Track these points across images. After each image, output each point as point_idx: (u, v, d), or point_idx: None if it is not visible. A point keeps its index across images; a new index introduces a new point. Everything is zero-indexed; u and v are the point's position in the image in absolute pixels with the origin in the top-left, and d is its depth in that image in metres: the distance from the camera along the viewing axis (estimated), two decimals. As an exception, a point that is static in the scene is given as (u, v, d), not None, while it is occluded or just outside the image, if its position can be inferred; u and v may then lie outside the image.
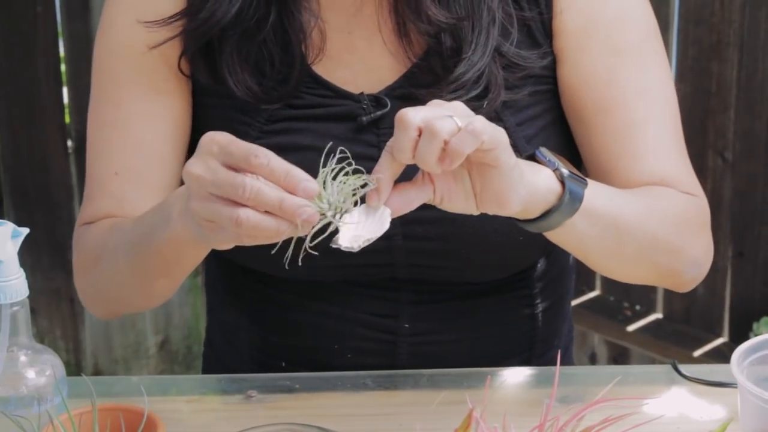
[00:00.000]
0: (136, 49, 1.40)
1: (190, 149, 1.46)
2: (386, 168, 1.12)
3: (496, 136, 1.11)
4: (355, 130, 1.36)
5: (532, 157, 1.24)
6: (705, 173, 2.74)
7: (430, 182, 1.15)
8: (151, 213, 1.31)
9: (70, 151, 3.01)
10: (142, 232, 1.31)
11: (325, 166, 1.10)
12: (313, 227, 1.09)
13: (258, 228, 1.08)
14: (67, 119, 3.02)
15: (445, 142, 1.09)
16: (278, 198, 1.08)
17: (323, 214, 1.09)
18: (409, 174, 1.15)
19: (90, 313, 1.51)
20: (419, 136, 1.10)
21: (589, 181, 1.25)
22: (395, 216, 1.14)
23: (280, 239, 1.09)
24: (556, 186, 1.21)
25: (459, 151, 1.09)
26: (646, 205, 1.34)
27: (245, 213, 1.08)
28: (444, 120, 1.09)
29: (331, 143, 1.14)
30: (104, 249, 1.39)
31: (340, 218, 1.10)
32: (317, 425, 1.10)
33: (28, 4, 2.90)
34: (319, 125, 1.38)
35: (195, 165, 1.11)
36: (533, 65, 1.38)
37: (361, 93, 1.38)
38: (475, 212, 1.18)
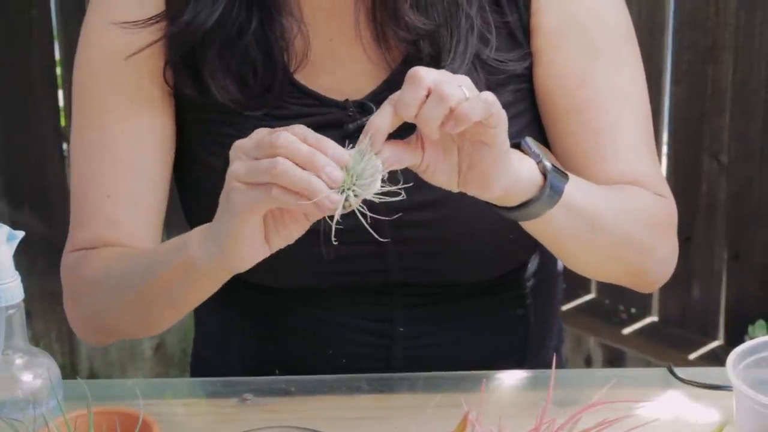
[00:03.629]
0: (117, 67, 1.39)
1: (176, 167, 1.45)
2: (385, 119, 1.11)
3: (502, 113, 1.12)
4: (342, 138, 1.36)
5: (517, 146, 1.24)
6: (700, 176, 2.75)
7: (420, 148, 1.15)
8: (165, 244, 1.33)
9: (65, 153, 3.01)
10: (154, 260, 1.31)
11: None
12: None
13: (291, 176, 1.08)
14: (62, 122, 3.01)
15: (451, 109, 1.09)
16: (309, 152, 1.09)
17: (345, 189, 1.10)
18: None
19: (82, 339, 1.50)
20: (427, 96, 1.09)
21: (569, 174, 1.25)
22: (384, 169, 1.12)
23: (308, 198, 1.08)
24: (538, 178, 1.22)
25: (467, 116, 1.09)
26: (621, 203, 1.35)
27: (282, 160, 1.08)
28: (454, 87, 1.09)
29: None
30: (107, 276, 1.38)
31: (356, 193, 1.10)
32: (312, 428, 1.10)
33: (23, 7, 2.90)
34: None
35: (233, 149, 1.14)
36: (514, 68, 1.38)
37: (346, 100, 1.37)
38: (455, 190, 1.18)
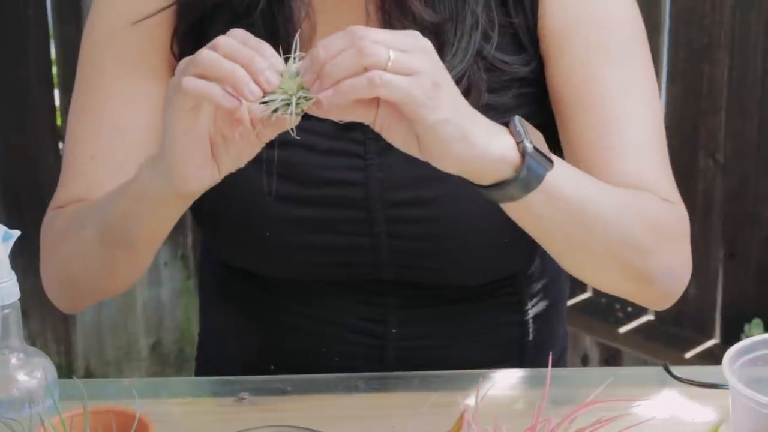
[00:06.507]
0: (122, 34, 1.39)
1: None
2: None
3: (410, 91, 1.09)
4: (342, 128, 1.35)
5: (507, 124, 1.20)
6: (696, 175, 2.75)
7: (375, 105, 1.13)
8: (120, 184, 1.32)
9: (61, 153, 3.00)
10: (110, 198, 1.31)
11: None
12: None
13: (216, 64, 1.10)
14: (59, 122, 3.01)
15: (365, 68, 1.08)
16: (250, 53, 1.11)
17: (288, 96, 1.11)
18: None
19: (55, 304, 1.46)
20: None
21: (559, 163, 1.21)
22: (336, 118, 1.12)
23: (239, 87, 1.09)
24: (515, 158, 1.17)
25: (345, 91, 1.08)
26: (622, 200, 1.30)
27: (207, 51, 1.11)
28: (381, 48, 1.08)
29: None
30: (71, 225, 1.37)
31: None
32: (309, 428, 1.10)
33: (19, 7, 2.90)
34: (305, 122, 1.36)
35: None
36: (517, 71, 1.37)
37: None
38: (419, 156, 1.15)
